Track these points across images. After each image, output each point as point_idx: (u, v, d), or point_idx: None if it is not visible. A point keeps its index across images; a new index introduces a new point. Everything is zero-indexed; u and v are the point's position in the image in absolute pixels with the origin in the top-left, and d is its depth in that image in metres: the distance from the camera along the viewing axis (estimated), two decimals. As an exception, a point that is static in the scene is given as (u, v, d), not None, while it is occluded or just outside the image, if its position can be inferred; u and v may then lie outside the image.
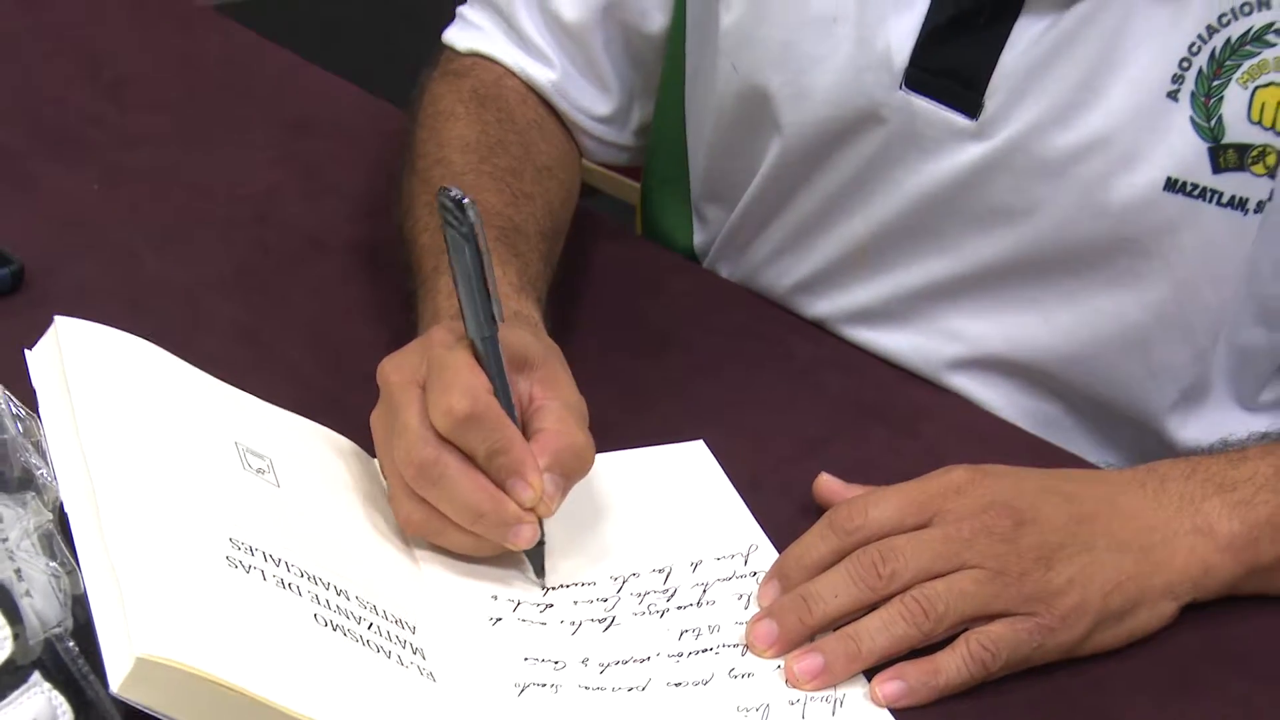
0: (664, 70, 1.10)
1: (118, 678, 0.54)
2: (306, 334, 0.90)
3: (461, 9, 1.11)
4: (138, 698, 0.54)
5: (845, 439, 0.87)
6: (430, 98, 1.05)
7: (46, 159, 1.07)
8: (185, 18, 1.33)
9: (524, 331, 0.79)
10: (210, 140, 1.14)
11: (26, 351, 0.70)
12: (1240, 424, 0.99)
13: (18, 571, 0.58)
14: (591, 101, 1.09)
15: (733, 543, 0.79)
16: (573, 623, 0.73)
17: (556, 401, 0.76)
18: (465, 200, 0.74)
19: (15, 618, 0.56)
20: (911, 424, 0.93)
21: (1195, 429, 0.99)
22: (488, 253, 0.75)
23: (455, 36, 1.10)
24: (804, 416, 0.91)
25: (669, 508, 0.81)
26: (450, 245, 0.75)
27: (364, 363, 0.85)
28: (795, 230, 1.05)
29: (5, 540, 0.59)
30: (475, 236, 0.74)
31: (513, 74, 1.07)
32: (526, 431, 0.74)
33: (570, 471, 0.74)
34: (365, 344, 0.91)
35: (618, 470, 0.83)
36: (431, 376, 0.74)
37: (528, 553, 0.75)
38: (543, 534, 0.74)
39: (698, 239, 1.12)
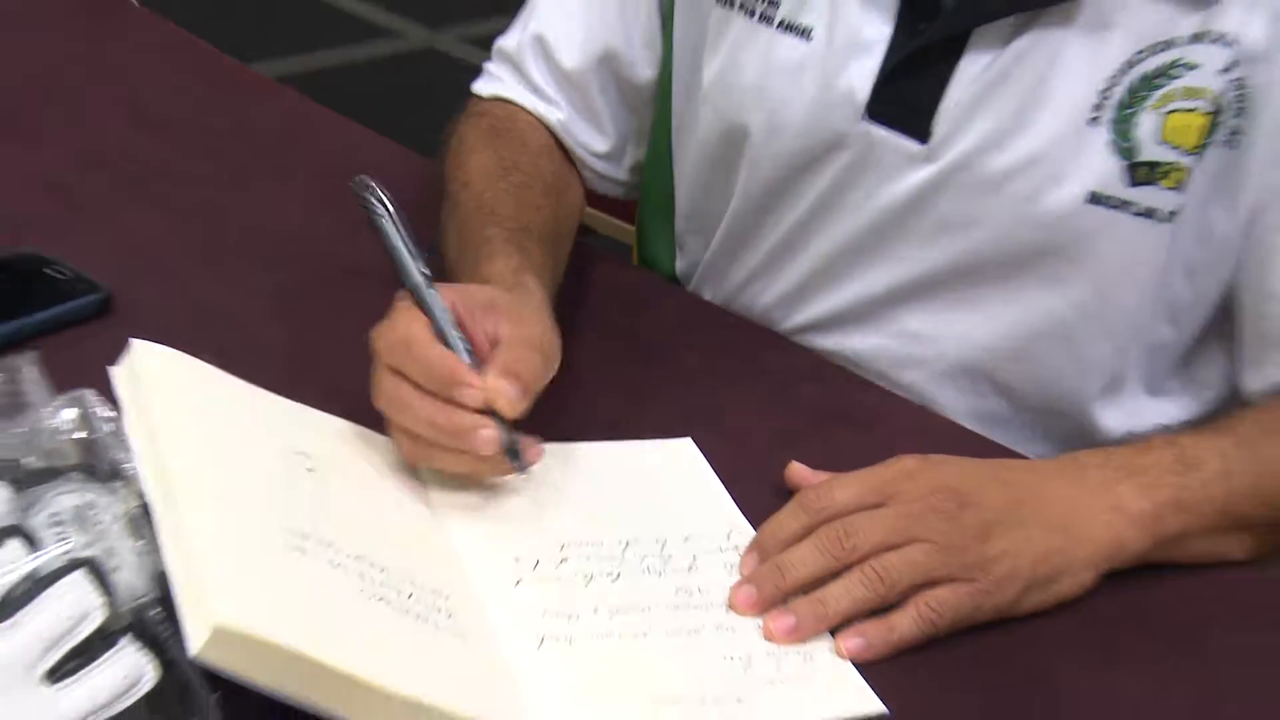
0: (655, 117, 1.10)
1: (196, 645, 0.56)
2: (347, 349, 0.92)
3: (486, 65, 1.13)
4: (214, 661, 0.56)
5: (812, 436, 0.88)
6: (457, 137, 1.07)
7: (127, 200, 1.08)
8: (234, 75, 1.34)
9: (494, 289, 0.82)
10: (255, 182, 1.15)
11: (110, 368, 0.71)
12: (1150, 409, 1.01)
13: (109, 550, 0.59)
14: (590, 139, 1.10)
15: (717, 522, 0.81)
16: (585, 575, 0.74)
17: (516, 332, 0.78)
18: (371, 183, 0.79)
19: (106, 589, 0.57)
20: (869, 423, 0.94)
21: (1114, 416, 1.00)
22: (402, 221, 0.79)
23: (479, 86, 1.12)
24: (776, 418, 0.92)
25: (663, 491, 0.83)
26: (371, 222, 0.78)
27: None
28: (766, 256, 1.06)
29: (99, 524, 0.60)
30: (387, 210, 0.78)
31: (526, 110, 1.09)
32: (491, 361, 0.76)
33: (522, 374, 0.76)
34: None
35: (619, 458, 0.85)
36: (407, 339, 0.76)
37: (507, 453, 0.75)
38: (515, 435, 0.75)
39: (680, 266, 1.13)
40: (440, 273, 0.94)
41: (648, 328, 0.99)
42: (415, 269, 0.78)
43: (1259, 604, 0.84)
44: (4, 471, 0.62)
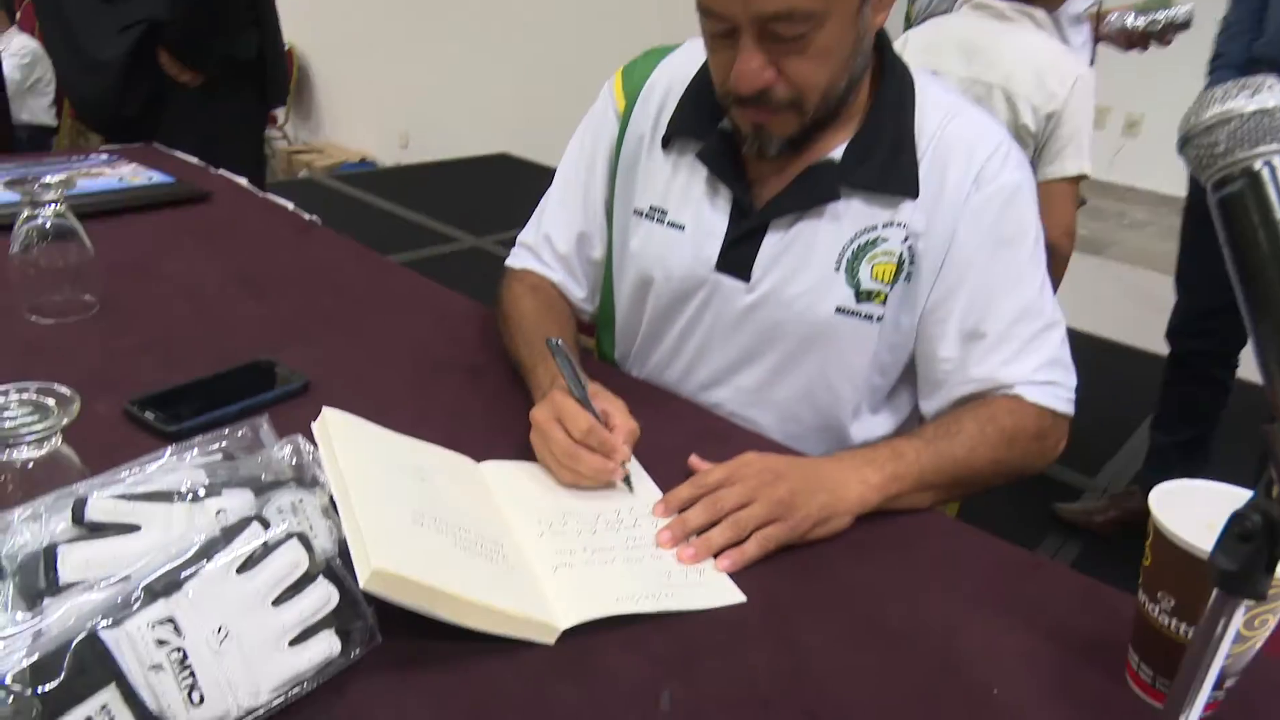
0: (604, 276, 1.09)
1: (363, 580, 0.57)
2: (447, 410, 0.92)
3: (514, 249, 1.11)
4: (374, 590, 0.57)
5: (697, 446, 0.86)
6: (510, 294, 1.04)
7: (320, 328, 1.07)
8: (373, 260, 1.31)
9: (596, 386, 0.84)
10: (393, 317, 1.13)
11: (312, 423, 0.71)
12: (873, 424, 1.00)
13: (311, 527, 0.60)
14: (576, 291, 1.08)
15: (648, 497, 0.80)
16: (577, 531, 0.75)
17: (616, 410, 0.82)
18: (559, 342, 0.84)
19: (309, 550, 0.57)
20: (727, 438, 0.91)
21: (857, 430, 0.99)
22: (576, 359, 0.83)
23: (512, 262, 1.10)
24: (678, 437, 0.89)
25: (620, 486, 0.81)
26: (556, 358, 0.83)
27: (475, 421, 0.91)
28: (665, 350, 1.04)
29: (305, 512, 0.60)
30: (569, 354, 0.82)
31: (542, 275, 1.07)
32: (606, 427, 0.80)
33: (630, 441, 0.81)
34: (475, 410, 0.93)
35: None
36: (564, 416, 0.80)
37: (624, 481, 0.81)
38: (628, 473, 0.80)
39: (617, 356, 1.11)
40: (514, 361, 0.98)
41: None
42: (582, 384, 0.82)
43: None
44: (250, 482, 0.62)
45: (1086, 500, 2.26)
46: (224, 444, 0.65)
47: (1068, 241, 1.49)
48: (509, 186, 4.71)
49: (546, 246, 1.07)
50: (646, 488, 0.82)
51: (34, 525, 0.54)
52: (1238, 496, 0.65)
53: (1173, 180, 2.01)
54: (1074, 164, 1.48)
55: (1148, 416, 2.24)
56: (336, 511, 0.62)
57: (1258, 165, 0.44)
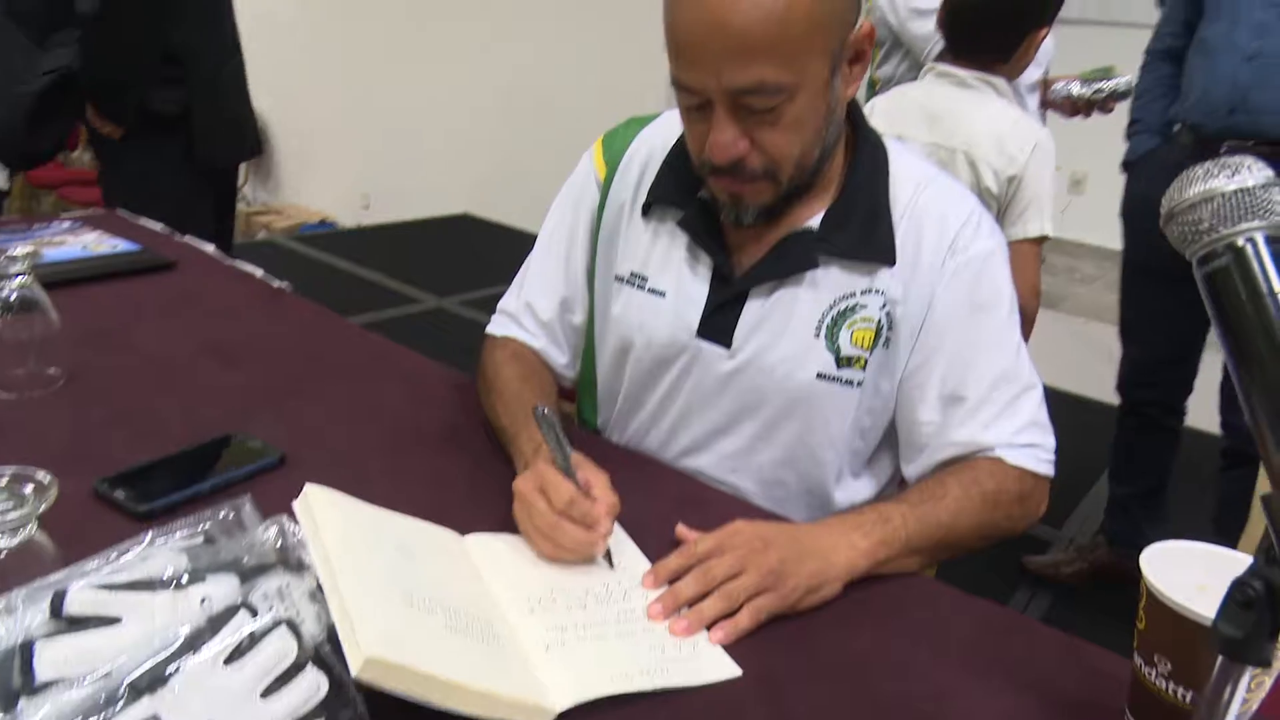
0: (585, 343, 1.08)
1: (355, 668, 0.55)
2: (427, 481, 0.90)
3: (494, 316, 1.10)
4: (366, 678, 0.55)
5: (680, 513, 0.86)
6: (492, 361, 1.03)
7: (290, 399, 1.04)
8: (338, 325, 1.30)
9: (580, 456, 0.82)
10: (361, 384, 1.11)
11: (293, 502, 0.69)
12: (855, 488, 0.99)
13: (298, 611, 0.57)
14: (557, 357, 1.07)
15: (636, 568, 0.79)
16: (566, 606, 0.73)
17: (599, 482, 0.80)
18: (547, 410, 0.82)
19: (298, 636, 0.55)
20: (710, 504, 0.91)
21: (840, 494, 0.98)
22: (561, 428, 0.81)
23: (494, 330, 1.09)
24: (660, 504, 0.89)
25: (600, 561, 0.79)
26: (541, 426, 0.82)
27: (456, 491, 0.89)
28: (646, 416, 1.03)
29: (292, 597, 0.58)
30: (554, 423, 0.80)
31: (524, 343, 1.06)
32: (589, 498, 0.78)
33: (611, 515, 0.78)
34: (456, 480, 0.92)
35: None
36: (547, 486, 0.78)
37: (604, 556, 0.79)
38: (608, 549, 0.79)
39: (599, 422, 1.10)
40: (496, 430, 0.97)
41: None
42: (561, 451, 0.81)
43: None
44: (234, 567, 0.60)
45: (1054, 552, 2.28)
46: (206, 526, 0.63)
47: (1035, 301, 1.53)
48: (471, 247, 4.71)
49: (528, 314, 1.07)
50: (634, 558, 0.81)
51: (8, 620, 0.52)
52: (1225, 557, 0.66)
53: (1117, 236, 2.08)
54: (1036, 225, 1.52)
55: (1107, 467, 2.28)
56: (324, 595, 0.60)
57: (1240, 241, 0.45)
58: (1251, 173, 0.45)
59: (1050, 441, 0.93)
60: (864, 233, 0.91)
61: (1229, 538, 1.92)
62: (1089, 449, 2.54)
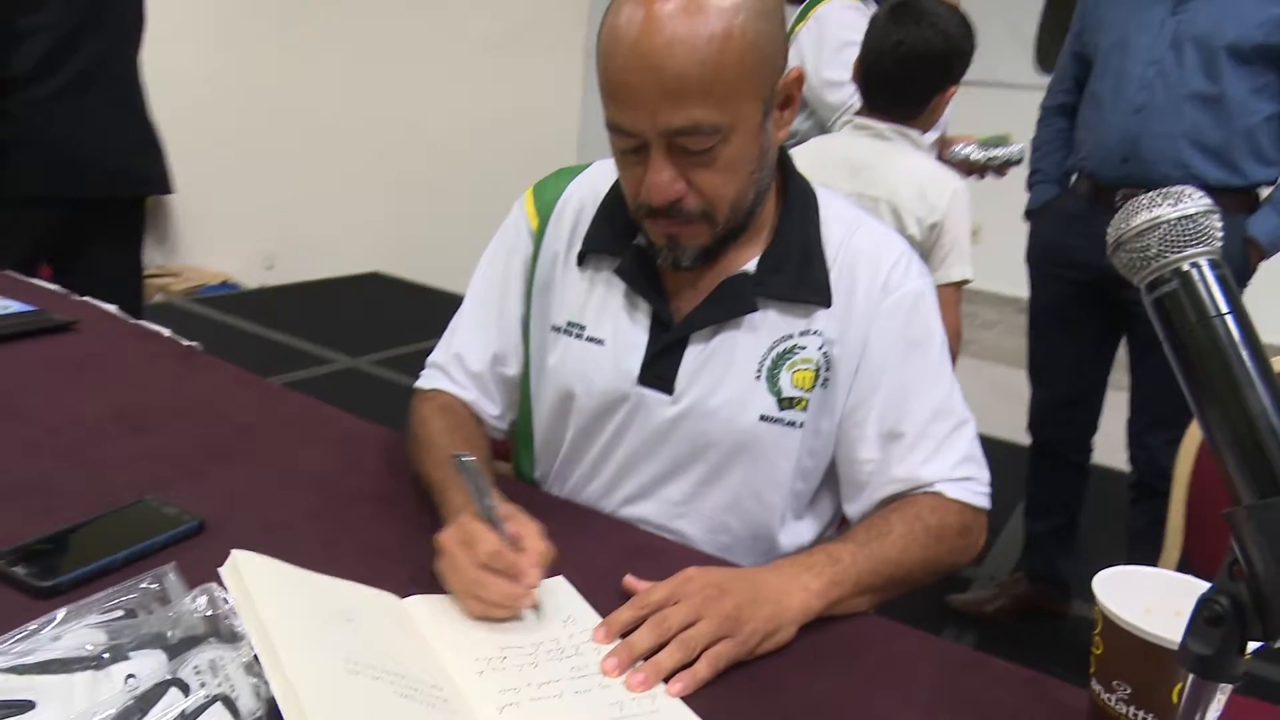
0: (521, 394, 1.07)
1: None
2: (359, 544, 0.86)
3: (424, 370, 1.07)
4: None
5: (627, 565, 0.83)
6: (419, 414, 1.00)
7: (207, 463, 0.98)
8: (258, 385, 1.23)
9: (511, 508, 0.80)
10: (283, 446, 1.06)
11: (219, 569, 0.65)
12: (798, 530, 1.00)
13: (234, 685, 0.54)
14: (489, 408, 1.05)
15: (586, 623, 0.76)
16: (518, 665, 0.70)
17: (529, 533, 0.77)
18: (467, 459, 0.78)
19: (234, 713, 0.51)
20: (659, 554, 0.90)
21: (784, 537, 0.98)
22: (485, 478, 0.78)
23: (423, 383, 1.06)
24: (605, 556, 0.88)
25: (551, 608, 0.77)
26: (464, 475, 0.78)
27: (391, 553, 0.84)
28: (587, 466, 1.02)
29: (226, 670, 0.54)
30: (478, 473, 0.77)
31: (453, 395, 1.04)
32: (518, 549, 0.75)
33: (541, 564, 0.75)
34: (391, 542, 0.87)
35: None
36: (471, 539, 0.74)
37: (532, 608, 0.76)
38: (536, 601, 0.76)
39: (537, 475, 1.08)
40: (425, 486, 0.93)
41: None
42: (484, 501, 0.78)
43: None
44: (158, 641, 0.56)
45: (976, 589, 2.32)
46: (126, 598, 0.58)
47: (957, 343, 1.57)
48: (383, 306, 4.63)
49: (458, 365, 1.05)
50: (584, 612, 0.79)
51: (-98, 713, 0.46)
52: (1169, 579, 0.67)
53: (1013, 283, 2.18)
54: (958, 270, 1.58)
55: (1019, 503, 2.34)
56: (260, 666, 0.56)
57: (1186, 266, 0.47)
58: (1193, 200, 0.47)
59: (985, 475, 0.95)
60: (799, 275, 0.92)
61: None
62: (1000, 487, 2.61)
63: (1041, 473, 2.22)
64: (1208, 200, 0.48)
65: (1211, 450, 0.46)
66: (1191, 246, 0.47)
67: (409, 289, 4.79)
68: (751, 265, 0.94)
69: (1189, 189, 0.48)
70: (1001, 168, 2.00)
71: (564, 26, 3.91)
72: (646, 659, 0.71)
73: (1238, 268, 1.82)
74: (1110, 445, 2.19)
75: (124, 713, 0.47)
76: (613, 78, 0.81)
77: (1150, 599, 0.65)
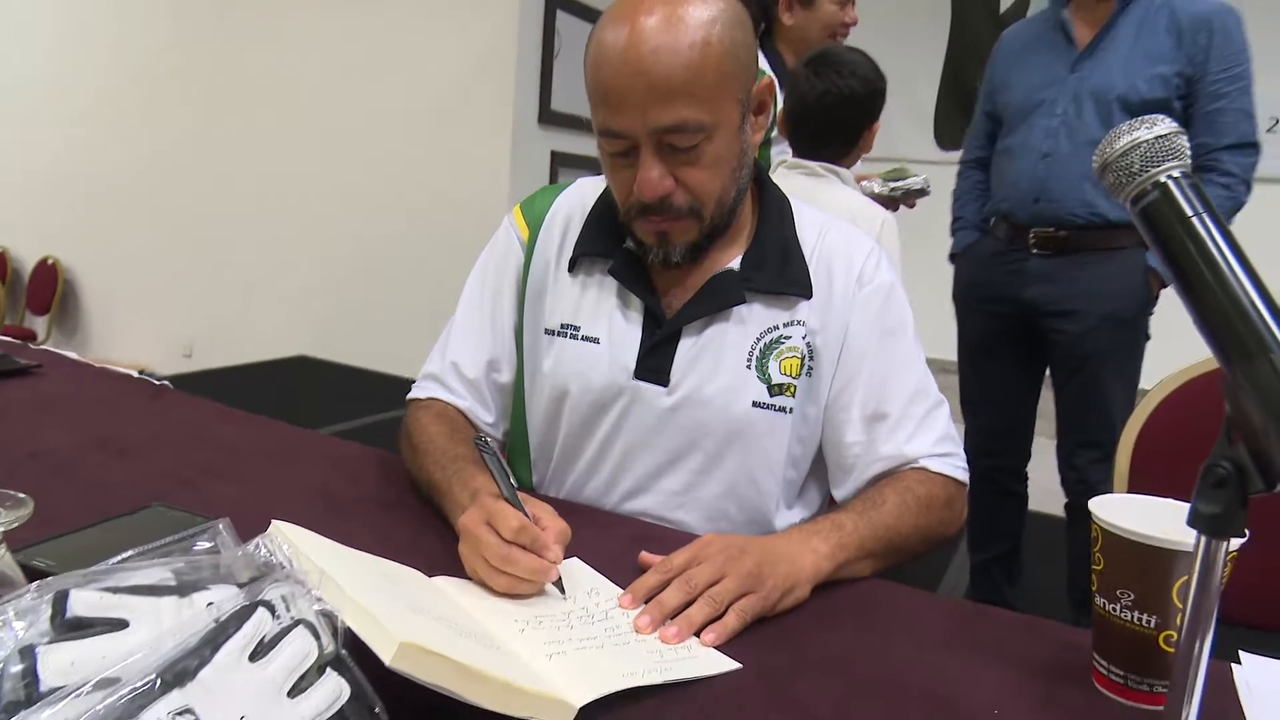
0: (514, 400, 1.09)
1: (388, 658, 0.53)
2: (372, 541, 0.86)
3: (418, 381, 1.10)
4: (401, 666, 0.53)
5: (634, 549, 0.86)
6: (416, 422, 1.02)
7: (209, 479, 0.96)
8: (237, 416, 1.22)
9: (522, 493, 0.81)
10: (276, 464, 1.06)
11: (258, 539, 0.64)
12: (790, 516, 1.02)
13: (313, 619, 0.54)
14: (483, 415, 1.08)
15: (609, 594, 0.78)
16: (555, 627, 0.72)
17: (546, 514, 0.80)
18: (488, 439, 0.81)
19: (318, 636, 0.52)
20: (664, 543, 0.90)
21: (781, 523, 1.01)
22: (497, 457, 0.80)
23: (416, 392, 1.09)
24: (613, 544, 0.89)
25: (577, 583, 0.80)
26: (485, 455, 0.80)
27: (403, 548, 0.85)
28: (585, 464, 1.04)
29: (299, 605, 0.54)
30: (497, 454, 0.80)
31: (449, 403, 1.06)
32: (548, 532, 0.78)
33: (562, 542, 0.78)
34: (401, 540, 0.88)
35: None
36: (494, 518, 0.76)
37: (554, 583, 0.77)
38: (559, 575, 0.77)
39: (534, 479, 1.09)
40: (426, 488, 0.94)
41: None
42: (505, 482, 0.80)
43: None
44: (229, 579, 0.56)
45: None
46: (183, 544, 0.58)
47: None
48: (312, 387, 4.54)
49: (453, 373, 1.07)
50: (604, 584, 0.81)
51: (1, 630, 0.46)
52: (1156, 504, 0.74)
53: (932, 322, 2.31)
54: None
55: (962, 535, 2.42)
56: (326, 606, 0.56)
57: (1164, 179, 0.55)
58: (1164, 124, 0.56)
59: (961, 452, 1.02)
60: (781, 270, 0.99)
61: (1081, 585, 2.08)
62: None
63: (979, 502, 2.31)
64: (1175, 123, 0.56)
65: (1203, 333, 0.53)
66: (1167, 161, 0.55)
67: (339, 370, 4.72)
68: (736, 263, 1.00)
69: (1159, 115, 0.57)
70: (907, 198, 2.13)
71: (492, 105, 4.01)
72: (676, 615, 0.74)
73: (1140, 298, 1.98)
74: (1044, 476, 2.30)
75: (220, 625, 0.48)
76: (604, 84, 0.88)
77: (1139, 521, 0.71)
